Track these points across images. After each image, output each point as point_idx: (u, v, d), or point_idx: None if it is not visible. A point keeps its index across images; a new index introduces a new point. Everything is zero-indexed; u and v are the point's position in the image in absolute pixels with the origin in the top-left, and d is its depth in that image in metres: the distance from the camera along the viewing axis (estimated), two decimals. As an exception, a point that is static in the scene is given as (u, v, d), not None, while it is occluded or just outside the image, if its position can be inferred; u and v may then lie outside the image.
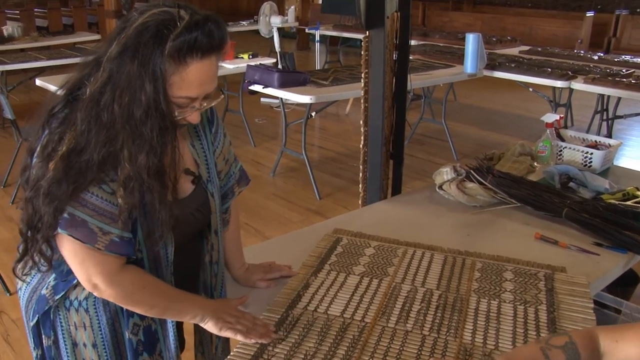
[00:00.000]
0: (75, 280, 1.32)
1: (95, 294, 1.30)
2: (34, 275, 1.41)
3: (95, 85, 1.19)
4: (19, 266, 1.37)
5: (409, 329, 1.41)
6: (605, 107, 5.70)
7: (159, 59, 1.16)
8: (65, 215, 1.20)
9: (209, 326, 1.38)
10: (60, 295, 1.35)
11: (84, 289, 1.34)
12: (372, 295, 1.56)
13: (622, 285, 2.36)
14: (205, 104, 1.29)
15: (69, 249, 1.24)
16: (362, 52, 2.42)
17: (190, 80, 1.20)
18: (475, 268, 1.70)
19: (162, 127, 1.20)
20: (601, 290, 2.11)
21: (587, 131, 5.77)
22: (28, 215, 1.23)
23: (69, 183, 1.18)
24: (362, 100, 2.50)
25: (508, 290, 1.58)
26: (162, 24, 1.16)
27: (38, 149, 1.23)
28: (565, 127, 5.12)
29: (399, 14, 2.50)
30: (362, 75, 2.46)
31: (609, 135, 5.56)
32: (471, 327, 1.42)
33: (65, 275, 1.34)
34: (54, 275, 1.36)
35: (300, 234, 2.06)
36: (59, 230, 1.21)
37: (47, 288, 1.37)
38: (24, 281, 1.43)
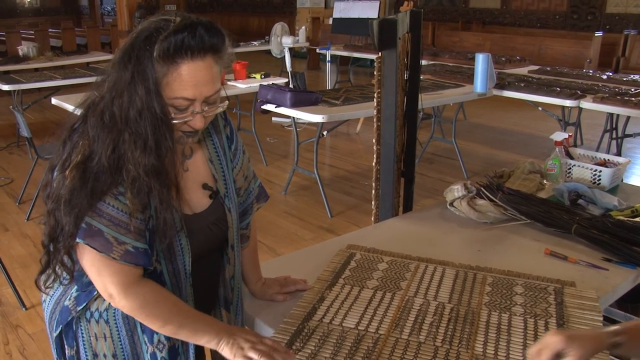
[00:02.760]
0: (96, 292, 1.36)
1: (112, 303, 1.33)
2: (57, 288, 1.45)
3: (102, 92, 1.25)
4: (42, 278, 1.42)
5: (422, 341, 1.45)
6: (614, 126, 5.72)
7: (148, 61, 1.21)
8: (83, 225, 1.24)
9: (225, 352, 1.33)
10: (82, 307, 1.38)
11: (104, 300, 1.37)
12: (385, 308, 1.59)
13: (632, 302, 2.37)
14: (207, 109, 1.31)
15: (87, 258, 1.28)
16: (375, 72, 2.47)
17: (182, 81, 1.24)
18: (486, 282, 1.73)
19: (156, 126, 1.24)
20: (611, 307, 2.14)
21: (597, 150, 5.78)
22: (50, 227, 1.27)
23: (86, 190, 1.22)
24: (374, 119, 2.55)
25: (518, 303, 1.62)
26: (155, 29, 1.22)
27: (59, 164, 1.28)
28: (575, 145, 5.15)
29: (410, 35, 2.55)
30: (375, 94, 2.50)
31: (619, 154, 5.57)
32: (482, 339, 1.45)
33: (86, 286, 1.37)
34: (76, 287, 1.40)
35: (314, 250, 2.09)
36: (78, 239, 1.25)
37: (69, 299, 1.40)
38: (46, 293, 1.47)
